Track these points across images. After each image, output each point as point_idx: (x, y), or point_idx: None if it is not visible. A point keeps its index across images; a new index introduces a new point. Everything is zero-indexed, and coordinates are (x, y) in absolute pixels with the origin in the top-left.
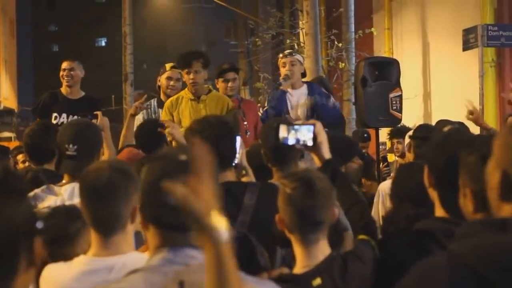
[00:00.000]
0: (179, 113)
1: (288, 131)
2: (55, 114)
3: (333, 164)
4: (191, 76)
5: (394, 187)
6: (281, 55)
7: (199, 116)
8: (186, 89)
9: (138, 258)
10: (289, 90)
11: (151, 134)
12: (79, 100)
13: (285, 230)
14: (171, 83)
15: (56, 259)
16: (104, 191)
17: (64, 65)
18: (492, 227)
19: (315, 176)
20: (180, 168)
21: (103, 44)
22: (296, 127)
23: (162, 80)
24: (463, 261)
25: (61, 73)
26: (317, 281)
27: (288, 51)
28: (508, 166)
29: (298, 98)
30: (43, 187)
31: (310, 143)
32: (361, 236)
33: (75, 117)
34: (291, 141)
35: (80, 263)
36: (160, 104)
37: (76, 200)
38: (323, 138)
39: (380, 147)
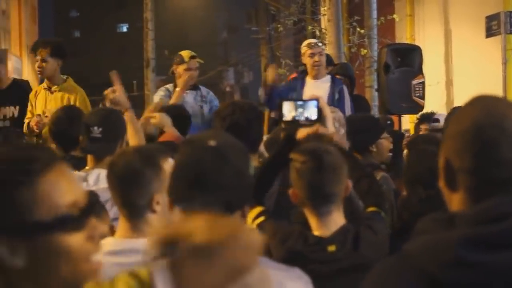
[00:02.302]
0: (36, 101)
1: (293, 107)
2: None
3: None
4: (37, 64)
5: (406, 172)
6: (306, 44)
7: (51, 106)
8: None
9: None
10: (308, 79)
11: (174, 119)
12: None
13: (299, 204)
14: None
15: None
16: (131, 176)
17: None
18: (440, 224)
19: (325, 149)
20: (208, 153)
21: (125, 30)
22: (299, 102)
23: (180, 70)
24: (413, 260)
25: None
26: (332, 247)
27: (314, 40)
28: (449, 155)
29: (318, 88)
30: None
31: (314, 117)
32: (371, 208)
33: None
34: (295, 117)
35: (107, 244)
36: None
37: (102, 186)
38: (327, 112)
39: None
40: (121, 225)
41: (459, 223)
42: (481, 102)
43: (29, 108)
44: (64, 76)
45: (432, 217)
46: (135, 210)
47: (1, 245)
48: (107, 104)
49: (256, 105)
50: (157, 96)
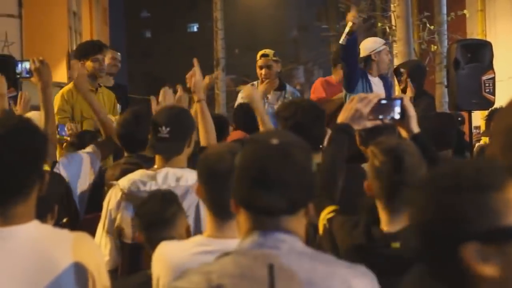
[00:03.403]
0: (75, 103)
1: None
2: None
3: (421, 138)
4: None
5: None
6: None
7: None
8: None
9: None
10: (370, 77)
11: (246, 115)
12: None
13: (373, 196)
14: (262, 72)
15: (153, 244)
16: (225, 175)
17: None
18: None
19: (406, 150)
20: (271, 151)
21: (195, 29)
22: (383, 101)
23: (257, 68)
24: None
25: None
26: (396, 244)
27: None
28: (495, 151)
29: (376, 85)
30: (140, 171)
31: (397, 116)
32: None
33: None
34: (379, 116)
35: (195, 242)
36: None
37: (171, 185)
38: (411, 112)
39: (474, 130)
40: (210, 224)
41: None
42: None
43: (65, 107)
44: None
45: None
46: (226, 209)
47: (474, 251)
48: (161, 98)
49: (316, 103)
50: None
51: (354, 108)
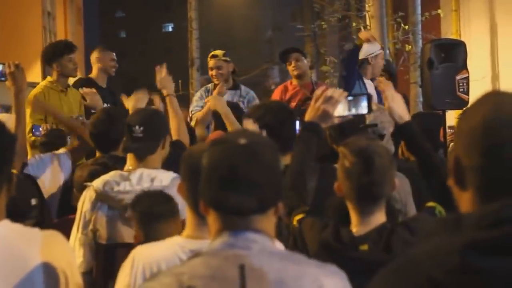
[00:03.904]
0: (53, 105)
1: (345, 103)
2: None
3: (407, 127)
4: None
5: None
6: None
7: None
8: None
9: None
10: (364, 79)
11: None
12: None
13: (343, 197)
14: (213, 73)
15: (149, 240)
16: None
17: None
18: (447, 226)
19: (375, 151)
20: (239, 151)
21: (170, 29)
22: (349, 98)
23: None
24: (418, 265)
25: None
26: (364, 246)
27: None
28: (459, 153)
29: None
30: (113, 172)
31: (364, 111)
32: (429, 204)
33: None
34: (345, 113)
35: (173, 243)
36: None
37: (145, 185)
38: (393, 101)
39: (448, 130)
40: (189, 224)
41: (465, 226)
42: (492, 98)
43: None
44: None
45: (439, 219)
46: None
47: None
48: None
49: (286, 105)
50: (197, 96)
51: (321, 108)
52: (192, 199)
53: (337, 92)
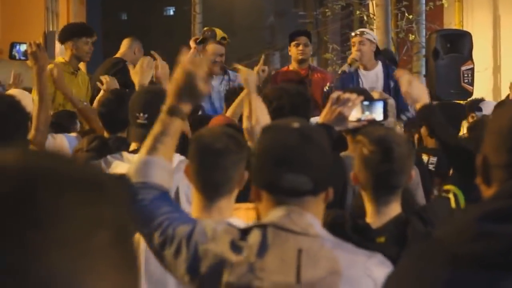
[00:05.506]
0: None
1: (359, 108)
2: None
3: (427, 108)
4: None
5: None
6: (352, 34)
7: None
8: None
9: (239, 224)
10: (362, 71)
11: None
12: None
13: (360, 187)
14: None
15: None
16: (220, 154)
17: None
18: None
19: (394, 140)
20: (293, 134)
21: (171, 13)
22: (365, 103)
23: None
24: (442, 243)
25: None
26: (381, 239)
27: (360, 30)
28: (487, 151)
29: (372, 79)
30: (116, 154)
31: (379, 118)
32: (447, 187)
33: None
34: (361, 118)
35: None
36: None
37: None
38: (412, 84)
39: None
40: (196, 205)
41: (484, 201)
42: None
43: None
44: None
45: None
46: (216, 189)
47: None
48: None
49: (305, 90)
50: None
51: (337, 111)
52: (199, 179)
53: (353, 95)
